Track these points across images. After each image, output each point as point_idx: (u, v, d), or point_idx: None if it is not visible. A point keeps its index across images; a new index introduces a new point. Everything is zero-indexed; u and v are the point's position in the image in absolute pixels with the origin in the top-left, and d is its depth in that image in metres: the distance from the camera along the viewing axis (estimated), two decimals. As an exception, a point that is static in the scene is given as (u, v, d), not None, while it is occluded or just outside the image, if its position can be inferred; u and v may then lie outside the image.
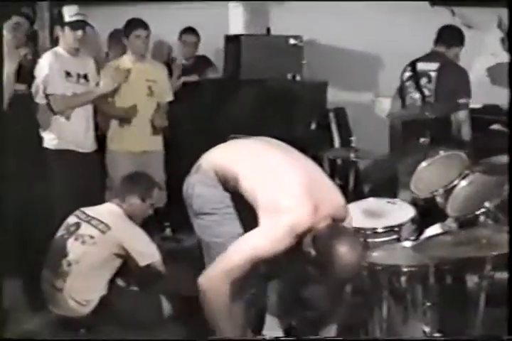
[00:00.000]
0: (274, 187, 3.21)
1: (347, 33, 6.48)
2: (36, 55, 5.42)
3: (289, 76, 6.23)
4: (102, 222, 4.30)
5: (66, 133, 5.17)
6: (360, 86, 6.73)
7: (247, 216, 3.34)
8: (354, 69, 6.69)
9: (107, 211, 4.43)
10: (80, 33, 5.13)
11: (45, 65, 5.09)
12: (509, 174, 3.74)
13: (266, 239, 3.09)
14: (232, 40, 6.39)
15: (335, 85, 6.52)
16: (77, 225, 4.34)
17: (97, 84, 5.38)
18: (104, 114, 5.65)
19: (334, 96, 6.54)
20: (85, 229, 4.30)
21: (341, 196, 3.34)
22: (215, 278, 3.14)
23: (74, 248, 4.27)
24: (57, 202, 4.90)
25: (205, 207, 3.44)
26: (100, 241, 4.25)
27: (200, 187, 3.45)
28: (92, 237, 4.26)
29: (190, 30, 6.52)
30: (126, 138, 5.64)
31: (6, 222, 4.54)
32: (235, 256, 3.13)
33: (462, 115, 5.36)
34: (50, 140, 5.15)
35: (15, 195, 4.58)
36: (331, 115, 6.41)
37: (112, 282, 4.40)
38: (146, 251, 4.32)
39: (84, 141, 5.28)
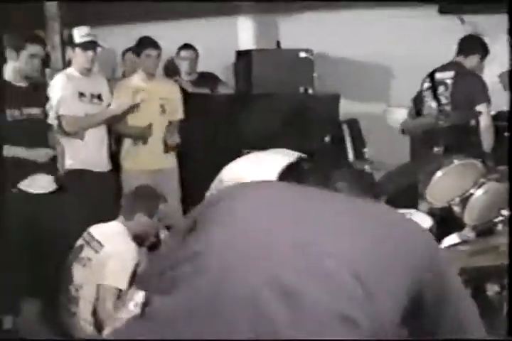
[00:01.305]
0: None
1: (357, 44, 6.49)
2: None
3: (301, 89, 6.25)
4: (98, 242, 4.22)
5: (80, 154, 5.21)
6: (372, 97, 6.73)
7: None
8: (365, 81, 6.69)
9: (109, 229, 4.36)
10: (91, 53, 5.18)
11: (57, 87, 5.14)
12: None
13: None
14: (243, 55, 6.42)
15: (347, 97, 6.52)
16: (81, 248, 4.31)
17: (109, 104, 5.40)
18: (119, 133, 5.66)
19: (347, 108, 6.54)
20: (86, 251, 4.26)
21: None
22: None
23: (78, 272, 4.25)
24: (72, 222, 4.89)
25: None
26: (95, 262, 4.17)
27: None
28: (89, 259, 4.21)
29: (187, 46, 6.47)
30: (140, 157, 5.65)
31: (22, 244, 4.58)
32: None
33: (483, 122, 5.38)
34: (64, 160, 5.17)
35: (31, 215, 4.60)
36: (345, 127, 6.39)
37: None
38: (116, 273, 4.11)
39: (98, 161, 5.33)
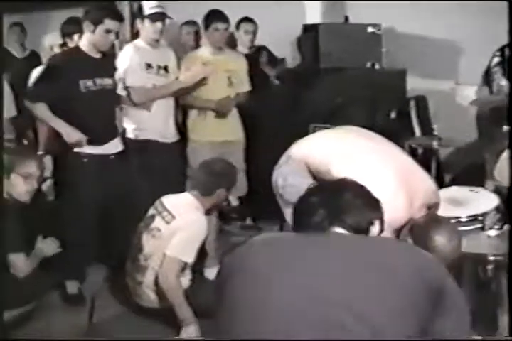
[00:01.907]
0: (369, 182, 3.16)
1: (425, 19, 6.39)
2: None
3: (368, 64, 6.20)
4: (170, 213, 4.27)
5: (147, 124, 5.26)
6: (440, 73, 6.63)
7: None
8: (433, 57, 6.59)
9: (181, 201, 4.38)
10: (159, 24, 5.20)
11: (125, 58, 5.18)
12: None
13: None
14: (309, 29, 6.37)
15: (414, 73, 6.46)
16: (152, 218, 4.36)
17: (177, 77, 5.43)
18: (188, 105, 5.69)
19: (414, 84, 6.48)
20: (157, 221, 4.31)
21: (432, 181, 3.29)
22: None
23: (147, 242, 4.31)
24: (139, 191, 4.94)
25: (296, 197, 3.43)
26: (164, 233, 4.22)
27: (292, 177, 3.47)
28: (159, 230, 4.26)
29: (247, 19, 6.40)
30: (207, 129, 5.66)
31: (93, 212, 4.66)
32: None
33: None
34: (131, 130, 5.24)
35: (100, 184, 4.66)
36: (412, 103, 6.34)
37: (194, 272, 4.45)
38: (184, 246, 4.19)
39: (165, 132, 5.36)
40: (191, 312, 4.08)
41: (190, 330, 4.05)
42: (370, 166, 3.23)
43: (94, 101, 4.58)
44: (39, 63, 6.13)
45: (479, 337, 1.91)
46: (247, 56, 6.09)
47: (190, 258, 4.21)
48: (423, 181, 3.26)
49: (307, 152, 3.46)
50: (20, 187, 4.03)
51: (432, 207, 3.20)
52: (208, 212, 4.45)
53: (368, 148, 3.34)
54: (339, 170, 3.25)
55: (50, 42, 5.80)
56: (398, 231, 3.09)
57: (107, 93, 4.71)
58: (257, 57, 6.30)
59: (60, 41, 5.46)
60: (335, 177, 3.25)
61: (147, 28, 5.24)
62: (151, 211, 4.41)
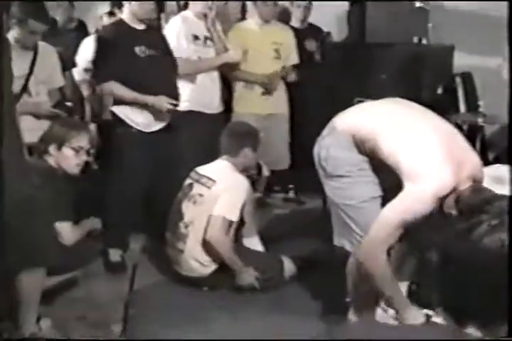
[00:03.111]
0: (416, 151, 3.16)
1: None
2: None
3: (415, 39, 6.15)
4: (210, 178, 4.35)
5: (192, 95, 5.27)
6: (487, 50, 6.54)
7: (382, 178, 3.38)
8: (481, 33, 6.50)
9: (217, 167, 4.47)
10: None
11: (172, 29, 5.20)
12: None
13: (411, 205, 3.08)
14: (357, 4, 6.33)
15: (461, 49, 6.39)
16: (191, 186, 4.43)
17: (224, 48, 5.42)
18: (234, 78, 5.70)
19: (461, 60, 6.41)
20: (196, 188, 4.38)
21: (477, 155, 3.28)
22: (373, 248, 3.15)
23: (188, 209, 4.38)
24: (184, 161, 4.96)
25: (339, 169, 3.42)
26: (208, 198, 4.29)
27: (335, 149, 3.42)
28: (201, 195, 4.33)
29: None
30: (252, 101, 5.69)
31: (137, 182, 4.71)
32: (388, 224, 3.12)
33: None
34: (178, 101, 5.26)
35: (146, 154, 4.71)
36: (458, 80, 6.28)
37: (236, 240, 4.50)
38: (228, 205, 4.28)
39: (210, 103, 5.39)
40: (242, 263, 4.23)
41: (246, 275, 4.24)
42: (415, 134, 3.21)
43: (154, 66, 4.62)
44: (86, 33, 6.20)
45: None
46: (296, 30, 6.07)
47: (235, 216, 4.30)
48: (468, 152, 3.24)
49: (353, 123, 3.43)
50: (71, 160, 4.06)
51: (477, 181, 3.18)
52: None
53: (414, 118, 3.33)
54: (387, 140, 3.25)
55: (100, 12, 5.84)
56: (442, 200, 3.09)
57: (161, 59, 4.74)
58: (306, 31, 6.29)
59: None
60: (380, 150, 3.28)
61: (198, 3, 5.25)
62: (188, 180, 4.49)
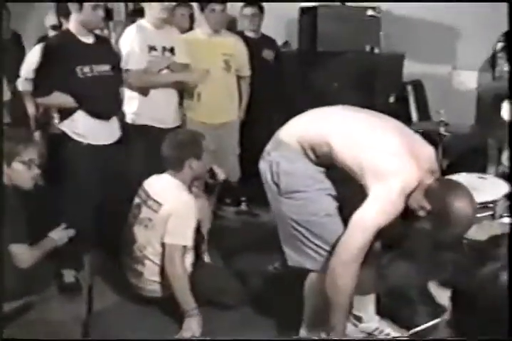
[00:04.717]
0: (377, 148, 3.09)
1: (424, 3, 6.29)
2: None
3: (368, 48, 6.11)
4: (156, 201, 4.15)
5: (143, 109, 5.09)
6: (437, 58, 6.55)
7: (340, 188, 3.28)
8: (431, 41, 6.51)
9: (163, 185, 4.24)
10: (167, 3, 5.03)
11: (126, 40, 5.01)
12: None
13: (383, 206, 3.01)
14: (307, 12, 6.27)
15: (411, 57, 6.39)
16: (139, 207, 4.25)
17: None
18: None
19: (411, 68, 6.41)
20: (145, 211, 4.21)
21: (431, 147, 3.25)
22: (350, 260, 3.08)
23: (140, 233, 4.22)
24: (135, 176, 4.74)
25: (295, 185, 3.27)
26: (157, 221, 4.11)
27: (286, 162, 3.27)
28: (150, 220, 4.16)
29: (251, 3, 6.24)
30: (199, 111, 5.52)
31: (90, 199, 4.55)
32: (361, 233, 3.05)
33: None
34: (129, 115, 5.08)
35: (98, 169, 4.56)
36: (409, 88, 6.28)
37: (197, 258, 4.35)
38: (179, 231, 4.08)
39: (163, 118, 5.15)
40: (194, 304, 3.99)
41: (192, 323, 3.94)
42: (371, 134, 3.14)
43: (97, 84, 4.45)
44: (20, 44, 6.02)
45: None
46: (251, 39, 5.97)
47: (188, 241, 4.10)
48: (423, 146, 3.21)
49: (299, 132, 3.28)
50: (24, 174, 3.90)
51: (434, 172, 3.15)
52: (197, 190, 4.41)
53: (363, 118, 3.26)
54: (339, 144, 3.15)
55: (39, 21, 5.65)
56: (408, 197, 3.03)
57: (108, 77, 4.57)
58: (261, 40, 6.21)
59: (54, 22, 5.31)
60: (337, 155, 3.17)
61: (154, 6, 5.05)
62: (137, 200, 4.31)
